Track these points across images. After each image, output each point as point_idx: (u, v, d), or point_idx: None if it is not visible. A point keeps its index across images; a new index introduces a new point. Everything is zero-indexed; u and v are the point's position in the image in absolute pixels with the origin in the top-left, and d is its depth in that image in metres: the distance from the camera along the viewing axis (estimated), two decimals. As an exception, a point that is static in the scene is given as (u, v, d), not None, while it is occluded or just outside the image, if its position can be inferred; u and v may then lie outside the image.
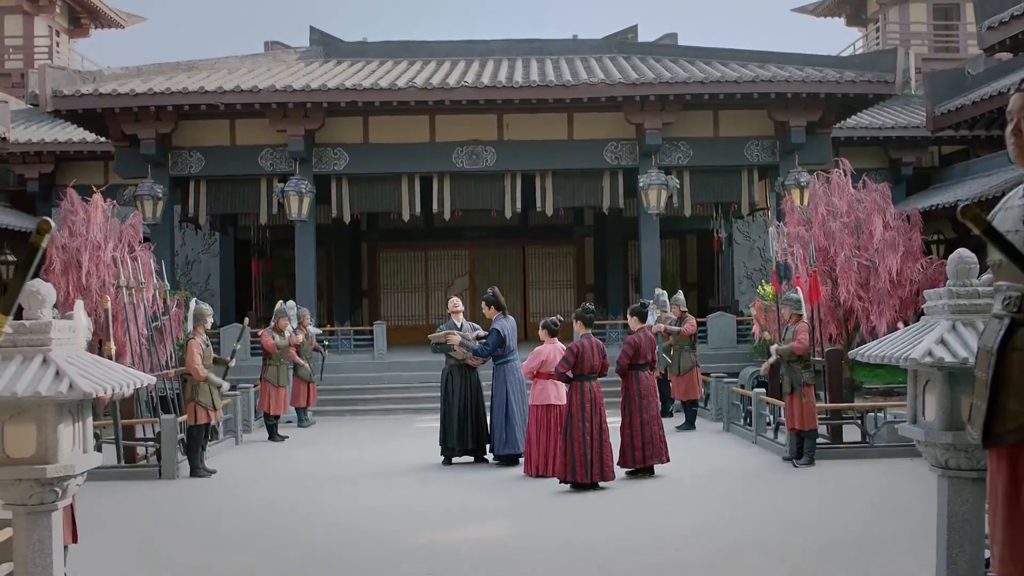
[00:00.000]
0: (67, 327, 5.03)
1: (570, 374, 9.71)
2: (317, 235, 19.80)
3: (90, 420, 5.09)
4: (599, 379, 9.89)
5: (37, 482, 4.68)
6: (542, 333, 10.78)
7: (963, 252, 5.07)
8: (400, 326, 25.16)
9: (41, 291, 4.94)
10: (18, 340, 4.81)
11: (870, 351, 5.26)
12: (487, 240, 25.57)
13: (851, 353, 5.64)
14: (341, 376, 18.19)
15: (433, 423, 12.71)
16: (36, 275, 3.50)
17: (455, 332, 11.52)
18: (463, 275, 26.73)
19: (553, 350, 10.52)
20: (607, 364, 9.99)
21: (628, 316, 10.92)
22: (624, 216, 22.09)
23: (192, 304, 11.57)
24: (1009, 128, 2.96)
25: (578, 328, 10.00)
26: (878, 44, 30.82)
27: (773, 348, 11.48)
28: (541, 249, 26.60)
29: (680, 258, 27.15)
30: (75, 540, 6.00)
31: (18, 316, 4.39)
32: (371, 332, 19.90)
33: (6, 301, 3.05)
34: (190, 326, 11.34)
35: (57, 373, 4.66)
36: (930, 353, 4.78)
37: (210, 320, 11.57)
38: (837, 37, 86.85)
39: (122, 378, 5.02)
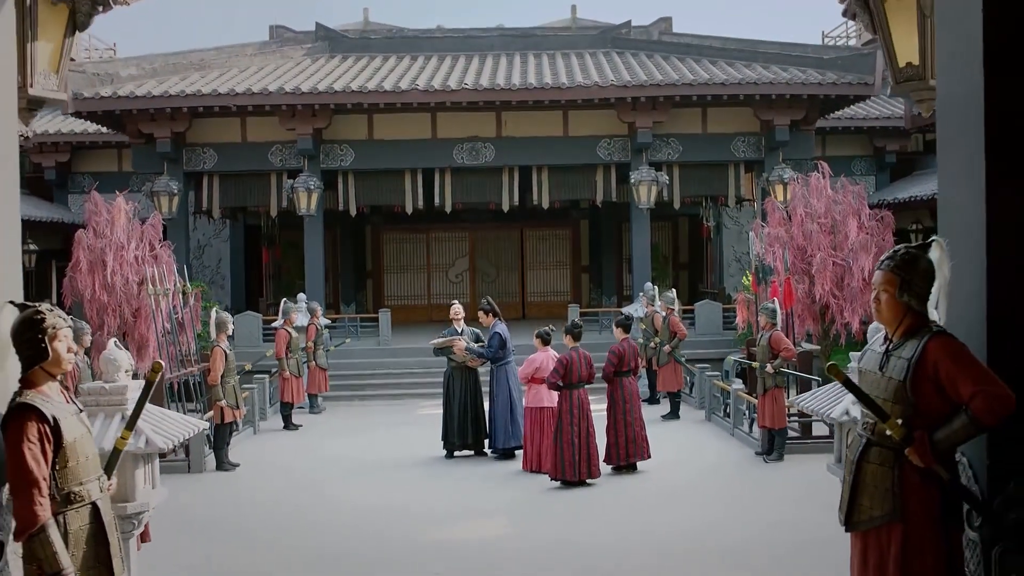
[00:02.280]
0: (138, 386, 6.07)
1: (560, 383, 10.78)
2: (323, 218, 20.80)
3: (156, 461, 6.16)
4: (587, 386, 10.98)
5: (118, 517, 5.74)
6: (536, 342, 11.80)
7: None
8: (403, 306, 26.28)
9: (117, 359, 5.99)
10: (100, 400, 5.86)
11: (803, 402, 6.33)
12: (486, 223, 26.57)
13: (792, 400, 6.68)
14: (348, 362, 19.24)
15: (435, 410, 13.78)
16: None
17: (460, 338, 12.55)
18: (463, 256, 27.76)
19: (546, 357, 11.56)
20: (594, 373, 11.03)
21: (614, 327, 11.95)
22: (618, 201, 23.07)
23: (214, 314, 12.64)
24: (872, 295, 3.98)
25: (567, 341, 11.04)
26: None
27: (770, 366, 11.97)
28: (538, 231, 27.60)
29: (672, 241, 28.15)
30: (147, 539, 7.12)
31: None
32: (376, 318, 20.98)
33: (130, 421, 4.09)
34: (213, 334, 12.41)
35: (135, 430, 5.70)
36: (847, 412, 5.84)
37: (231, 327, 12.64)
38: (829, 9, 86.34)
39: (184, 428, 6.09)
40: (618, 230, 25.99)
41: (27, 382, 3.78)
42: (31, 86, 4.59)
